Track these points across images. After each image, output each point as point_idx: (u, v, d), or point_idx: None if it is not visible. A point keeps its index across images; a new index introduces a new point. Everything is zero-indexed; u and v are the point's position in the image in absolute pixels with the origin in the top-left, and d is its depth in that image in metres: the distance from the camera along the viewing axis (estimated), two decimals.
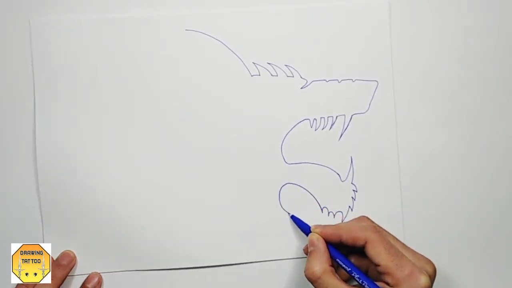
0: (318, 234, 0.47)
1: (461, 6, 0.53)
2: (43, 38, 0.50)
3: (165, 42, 0.51)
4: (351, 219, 0.50)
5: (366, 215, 0.49)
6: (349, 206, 0.51)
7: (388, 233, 0.47)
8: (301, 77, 0.52)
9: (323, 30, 0.52)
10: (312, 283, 0.45)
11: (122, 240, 0.50)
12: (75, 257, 0.50)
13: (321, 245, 0.46)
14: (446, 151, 0.52)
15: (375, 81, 0.52)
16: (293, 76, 0.52)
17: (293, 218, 0.51)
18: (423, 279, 0.42)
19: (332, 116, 0.52)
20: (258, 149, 0.51)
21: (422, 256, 0.46)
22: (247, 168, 0.51)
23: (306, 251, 0.48)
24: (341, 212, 0.51)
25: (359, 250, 0.46)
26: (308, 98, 0.52)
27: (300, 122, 0.52)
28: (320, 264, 0.45)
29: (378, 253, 0.44)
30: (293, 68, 0.52)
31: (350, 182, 0.52)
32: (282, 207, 0.51)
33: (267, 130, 0.51)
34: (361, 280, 0.44)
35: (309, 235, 0.48)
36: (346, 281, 0.46)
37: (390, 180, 0.52)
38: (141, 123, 0.51)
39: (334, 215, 0.51)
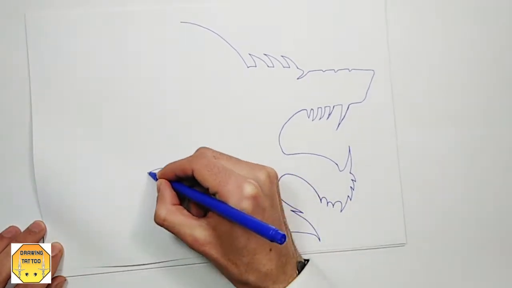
0: (160, 176, 0.48)
1: None
2: (38, 33, 0.50)
3: (160, 35, 0.50)
4: (350, 209, 0.51)
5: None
6: (348, 196, 0.52)
7: (220, 153, 0.47)
8: (297, 68, 0.52)
9: (319, 20, 0.52)
10: (162, 227, 0.45)
11: (124, 240, 0.50)
12: (45, 227, 0.49)
13: (164, 189, 0.47)
14: (444, 140, 0.52)
15: (372, 70, 0.52)
16: (289, 67, 0.51)
17: (150, 174, 0.50)
18: (248, 188, 0.42)
19: (329, 106, 0.52)
20: (255, 140, 0.51)
21: (257, 165, 0.47)
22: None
23: None
24: (340, 202, 0.51)
25: None
26: (304, 89, 0.52)
27: (297, 112, 0.52)
28: (164, 206, 0.45)
29: (203, 178, 0.44)
30: (289, 59, 0.51)
31: (349, 171, 0.52)
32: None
33: (264, 121, 0.51)
34: (203, 202, 0.45)
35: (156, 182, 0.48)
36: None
37: (388, 169, 0.52)
38: (137, 115, 0.50)
39: (333, 205, 0.51)
